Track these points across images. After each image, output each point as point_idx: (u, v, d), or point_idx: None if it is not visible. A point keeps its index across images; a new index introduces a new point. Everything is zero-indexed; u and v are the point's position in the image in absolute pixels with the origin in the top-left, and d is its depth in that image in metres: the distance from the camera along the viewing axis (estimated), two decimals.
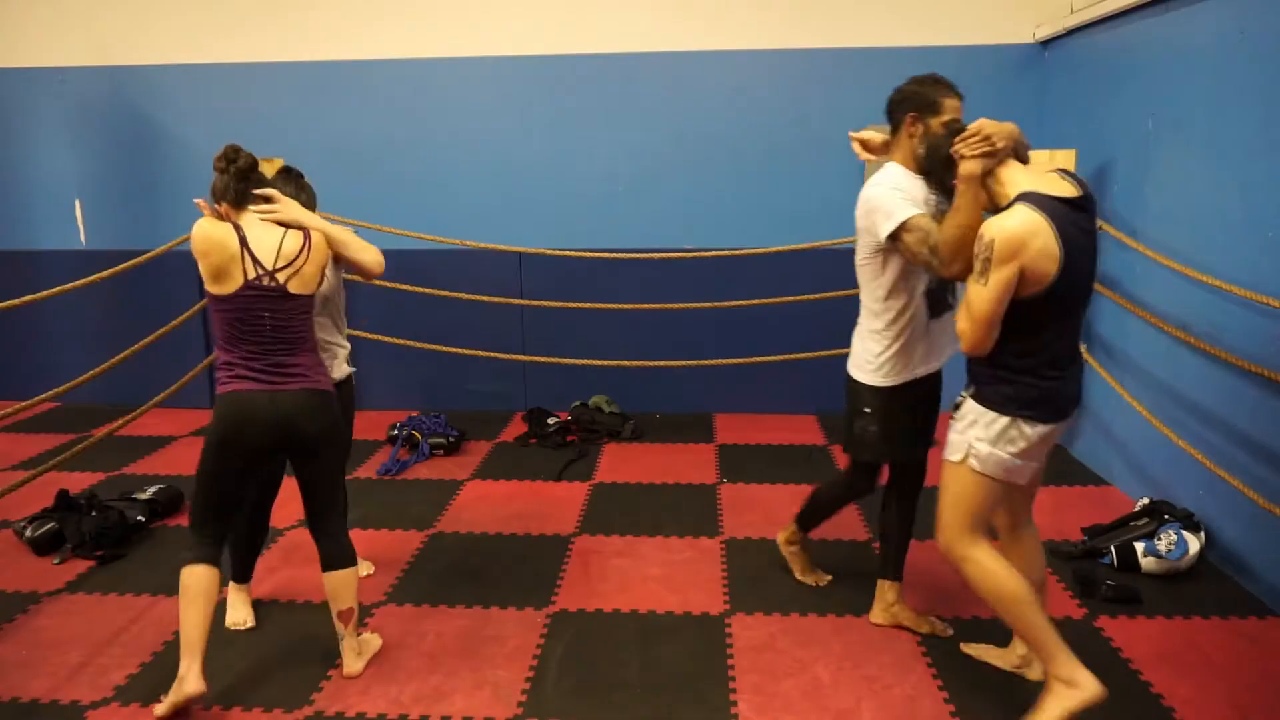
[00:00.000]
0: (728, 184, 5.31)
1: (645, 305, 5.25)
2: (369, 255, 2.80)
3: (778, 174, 5.24)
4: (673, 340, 5.38)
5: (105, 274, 4.20)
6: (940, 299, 2.76)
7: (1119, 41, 4.20)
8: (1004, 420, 2.31)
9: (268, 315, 2.55)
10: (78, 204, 5.64)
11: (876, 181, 2.65)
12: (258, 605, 3.11)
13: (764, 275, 5.17)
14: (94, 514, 3.68)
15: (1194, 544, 3.23)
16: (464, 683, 2.68)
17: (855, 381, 2.85)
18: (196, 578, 2.52)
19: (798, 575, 3.31)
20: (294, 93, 5.41)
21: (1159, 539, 3.26)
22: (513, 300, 5.38)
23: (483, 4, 5.26)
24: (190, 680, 2.47)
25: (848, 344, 5.25)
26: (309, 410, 2.59)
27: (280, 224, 2.61)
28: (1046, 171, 2.32)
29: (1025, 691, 2.60)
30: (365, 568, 3.39)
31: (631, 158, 5.34)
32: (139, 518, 3.76)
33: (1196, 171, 3.56)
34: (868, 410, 2.82)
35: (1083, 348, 4.37)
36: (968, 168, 2.30)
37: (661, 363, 5.29)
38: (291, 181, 2.92)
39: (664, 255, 5.27)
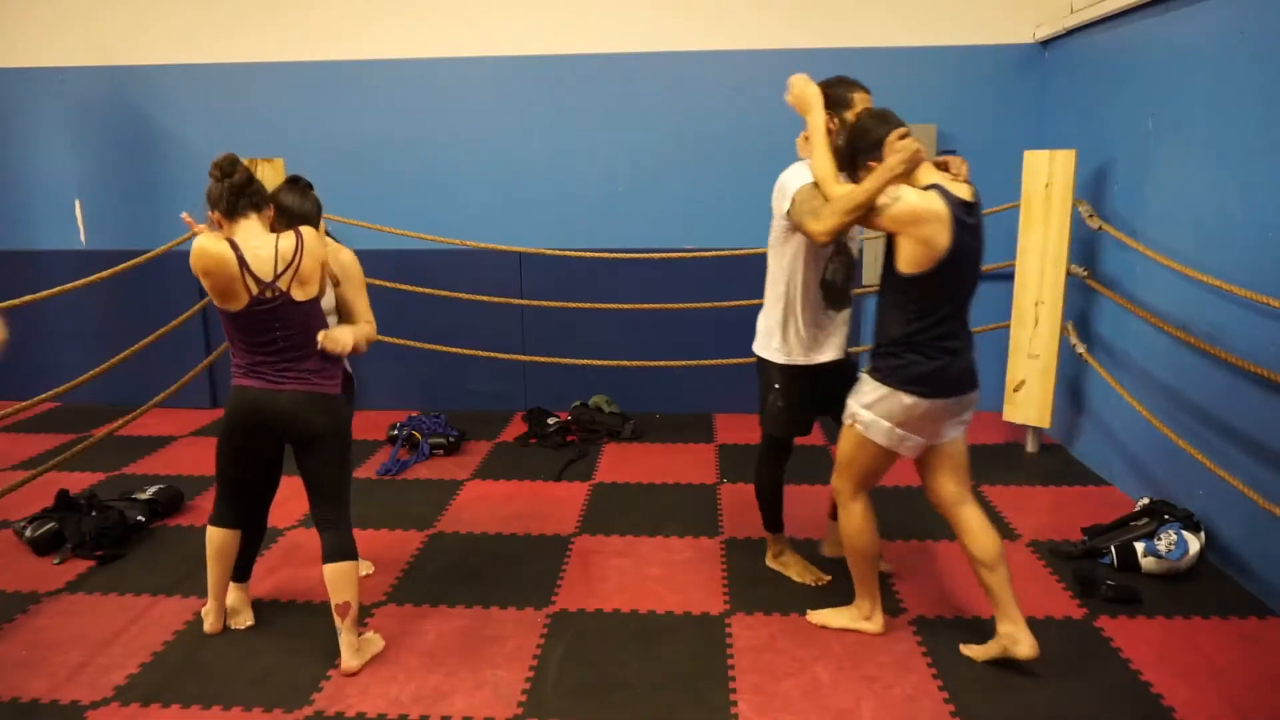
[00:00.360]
0: (728, 184, 5.30)
1: (645, 305, 5.24)
2: (362, 349, 2.93)
3: (777, 174, 5.22)
4: (673, 340, 5.37)
5: (105, 274, 4.20)
6: (843, 293, 3.06)
7: (1119, 41, 4.21)
8: (883, 390, 2.62)
9: (278, 326, 2.62)
10: (78, 204, 5.64)
11: (791, 170, 2.89)
12: (258, 605, 3.10)
13: (764, 275, 5.16)
14: (94, 514, 3.68)
15: (1194, 544, 3.23)
16: (464, 683, 2.68)
17: (763, 360, 3.11)
18: (211, 538, 2.87)
19: (795, 578, 3.31)
20: (294, 93, 5.41)
21: (1159, 539, 3.26)
22: (513, 300, 5.38)
23: (483, 4, 5.26)
24: (209, 621, 2.95)
25: (846, 343, 5.20)
26: (308, 409, 2.70)
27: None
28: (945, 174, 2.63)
29: (1026, 691, 2.60)
30: (365, 567, 3.40)
31: (631, 158, 5.34)
32: (139, 518, 3.76)
33: (1196, 171, 3.56)
34: (777, 386, 3.07)
35: (1082, 348, 4.40)
36: (895, 161, 2.51)
37: (661, 363, 5.29)
38: (297, 192, 2.93)
39: (664, 255, 5.27)
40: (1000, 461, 4.56)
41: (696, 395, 5.47)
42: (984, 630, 2.93)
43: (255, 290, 2.56)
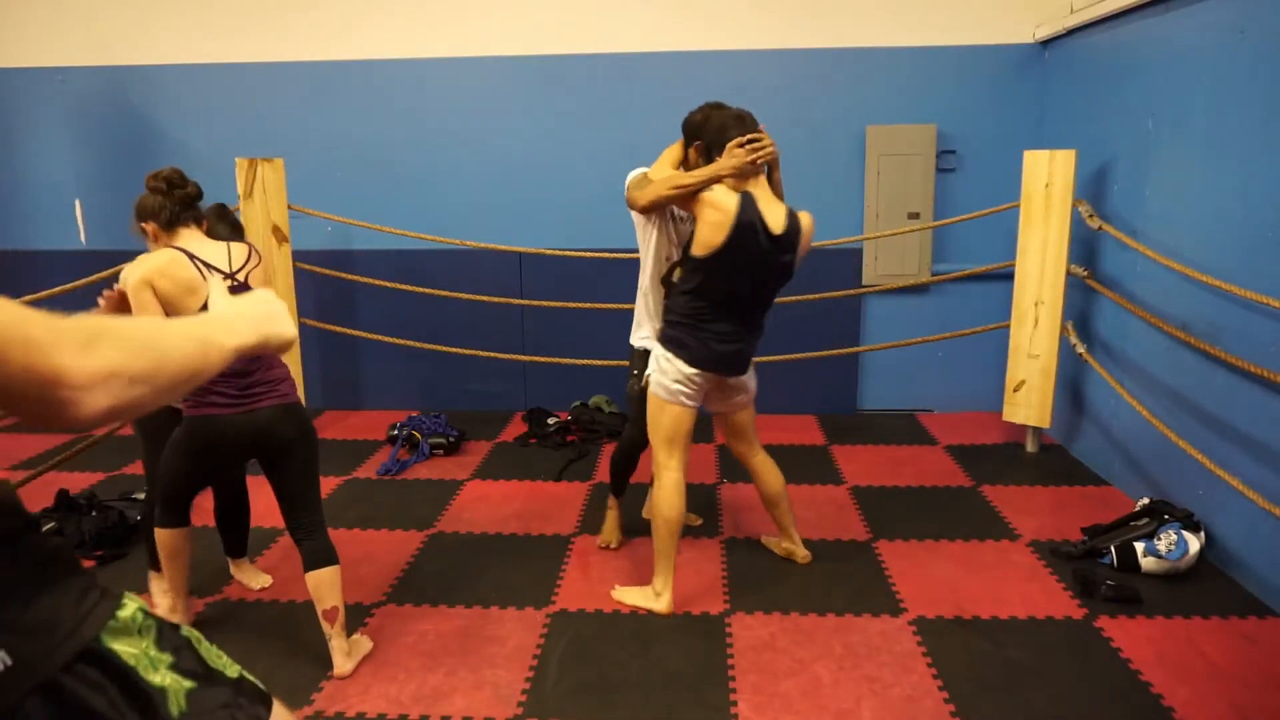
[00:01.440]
0: None
1: None
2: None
3: None
4: None
5: (105, 274, 4.19)
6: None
7: (1119, 41, 4.21)
8: (660, 350, 2.99)
9: None
10: (78, 204, 5.64)
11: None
12: (257, 606, 3.11)
13: None
14: (94, 514, 3.68)
15: (1194, 544, 3.23)
16: (464, 683, 2.69)
17: (630, 346, 3.32)
18: (165, 540, 2.82)
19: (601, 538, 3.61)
20: (294, 93, 5.41)
21: (1159, 539, 3.26)
22: (513, 300, 5.38)
23: (483, 4, 5.26)
24: (177, 617, 2.85)
25: (847, 344, 5.27)
26: (281, 423, 2.68)
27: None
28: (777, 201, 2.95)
29: (1026, 691, 2.61)
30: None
31: (631, 158, 5.30)
32: (139, 518, 3.76)
33: (1196, 171, 3.56)
34: (635, 372, 3.25)
35: (1082, 348, 4.40)
36: (725, 164, 2.82)
37: None
38: (227, 224, 2.99)
39: None
40: (1000, 461, 4.56)
41: None
42: (985, 630, 2.94)
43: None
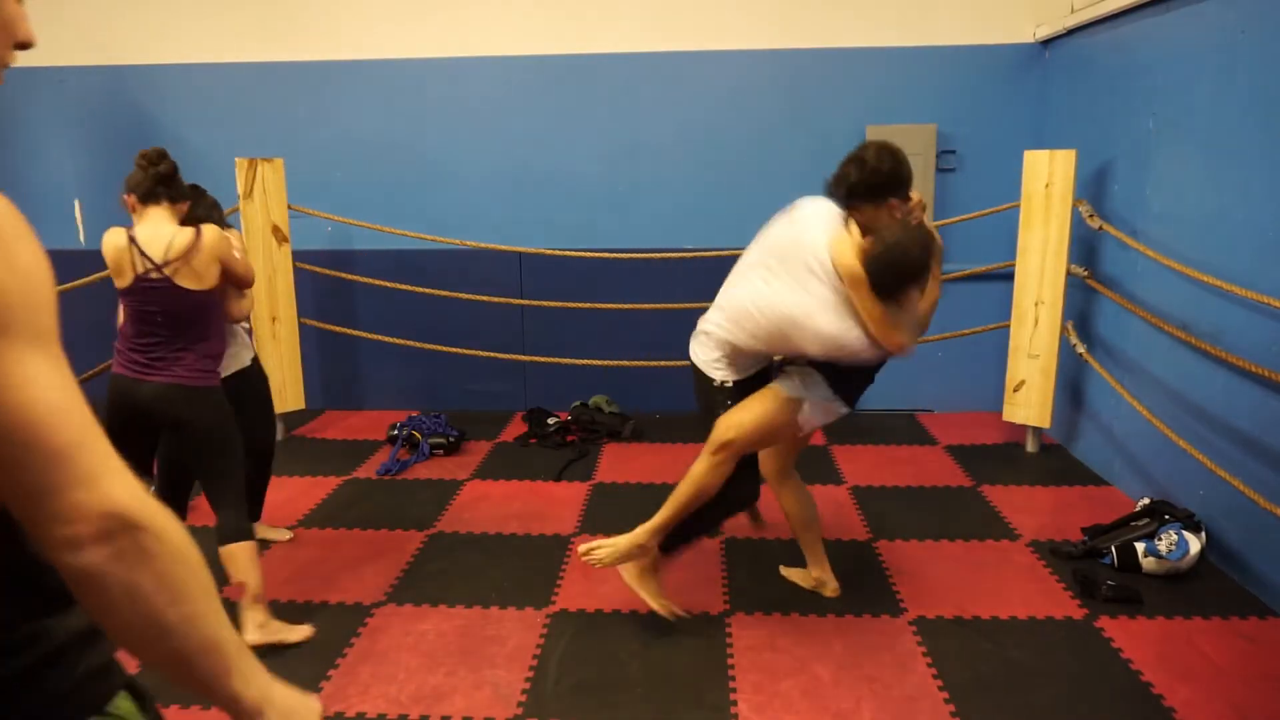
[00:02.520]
0: (727, 184, 5.30)
1: (646, 305, 5.24)
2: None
3: (777, 174, 5.24)
4: (673, 340, 5.35)
5: (105, 274, 4.19)
6: None
7: (1119, 41, 4.21)
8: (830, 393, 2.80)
9: (157, 309, 2.73)
10: (77, 204, 5.64)
11: (827, 231, 2.64)
12: None
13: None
14: None
15: (1194, 544, 3.23)
16: (464, 683, 2.68)
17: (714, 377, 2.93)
18: None
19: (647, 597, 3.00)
20: (294, 93, 5.40)
21: (1160, 539, 3.26)
22: (513, 300, 5.38)
23: (483, 4, 5.26)
24: None
25: None
26: (165, 401, 2.77)
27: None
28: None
29: (1026, 691, 2.61)
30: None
31: (631, 158, 5.34)
32: None
33: (1196, 171, 3.56)
34: (729, 402, 2.90)
35: (1082, 348, 4.40)
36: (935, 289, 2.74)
37: (661, 363, 5.29)
38: (204, 206, 3.12)
39: (664, 255, 5.27)
40: (1000, 461, 4.56)
41: None
42: (985, 630, 2.94)
43: (141, 268, 2.70)
